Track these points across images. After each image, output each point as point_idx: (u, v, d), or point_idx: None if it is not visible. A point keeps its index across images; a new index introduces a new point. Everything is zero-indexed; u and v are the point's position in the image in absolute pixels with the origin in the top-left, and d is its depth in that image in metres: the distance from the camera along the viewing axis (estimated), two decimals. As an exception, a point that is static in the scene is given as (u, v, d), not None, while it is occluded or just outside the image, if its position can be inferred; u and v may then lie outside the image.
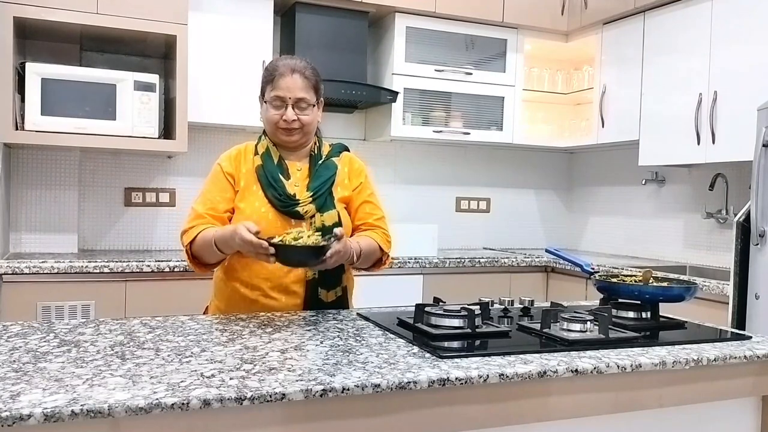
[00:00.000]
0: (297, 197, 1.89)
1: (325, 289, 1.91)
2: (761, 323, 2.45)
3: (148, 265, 2.97)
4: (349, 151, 2.08)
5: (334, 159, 2.00)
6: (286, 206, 1.87)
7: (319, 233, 1.72)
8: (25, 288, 2.81)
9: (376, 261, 1.98)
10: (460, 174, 4.35)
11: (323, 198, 1.91)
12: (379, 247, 1.95)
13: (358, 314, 1.84)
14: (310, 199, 1.89)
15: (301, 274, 1.89)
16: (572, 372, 1.36)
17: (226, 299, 1.94)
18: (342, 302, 1.97)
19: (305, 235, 1.69)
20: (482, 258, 3.68)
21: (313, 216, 1.89)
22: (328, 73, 3.58)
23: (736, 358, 1.52)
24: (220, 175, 1.95)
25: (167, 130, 3.36)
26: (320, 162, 1.98)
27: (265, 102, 1.94)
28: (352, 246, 1.84)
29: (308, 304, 1.90)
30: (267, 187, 1.89)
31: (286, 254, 1.66)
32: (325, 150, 2.03)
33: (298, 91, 1.89)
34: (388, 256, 2.00)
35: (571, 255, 2.17)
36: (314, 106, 1.95)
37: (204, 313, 2.01)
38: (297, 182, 1.93)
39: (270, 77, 1.92)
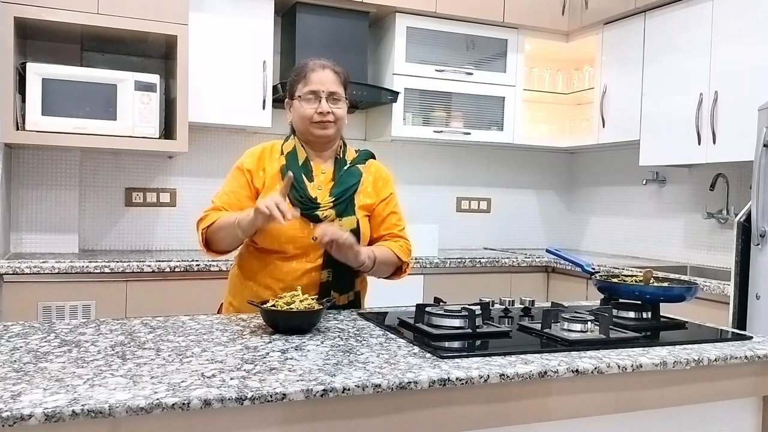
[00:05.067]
0: (318, 201, 1.89)
1: (338, 293, 1.91)
2: (762, 323, 2.44)
3: (149, 266, 2.97)
4: (375, 158, 2.08)
5: (359, 166, 2.01)
6: (306, 209, 1.87)
7: (314, 297, 1.69)
8: (26, 288, 2.81)
9: (396, 270, 1.99)
10: (460, 174, 4.35)
11: (344, 204, 1.92)
12: (397, 256, 1.95)
13: (358, 314, 1.85)
14: (331, 204, 1.89)
15: (316, 279, 1.89)
16: (573, 372, 1.36)
17: (239, 296, 1.95)
18: (354, 307, 1.97)
19: (298, 300, 1.63)
20: (483, 258, 3.68)
21: (333, 221, 1.89)
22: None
23: (736, 358, 1.52)
24: (238, 172, 1.97)
25: (168, 130, 3.36)
26: (345, 168, 1.98)
27: (297, 98, 1.94)
28: (363, 251, 1.84)
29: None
30: (290, 189, 1.89)
31: (276, 320, 1.58)
32: (350, 155, 2.03)
33: (331, 84, 1.92)
34: (408, 264, 2.01)
35: (571, 255, 2.17)
36: (345, 101, 1.96)
37: (218, 312, 2.02)
38: (320, 185, 1.93)
39: (302, 74, 1.94)
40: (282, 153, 1.96)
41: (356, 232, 1.91)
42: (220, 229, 1.85)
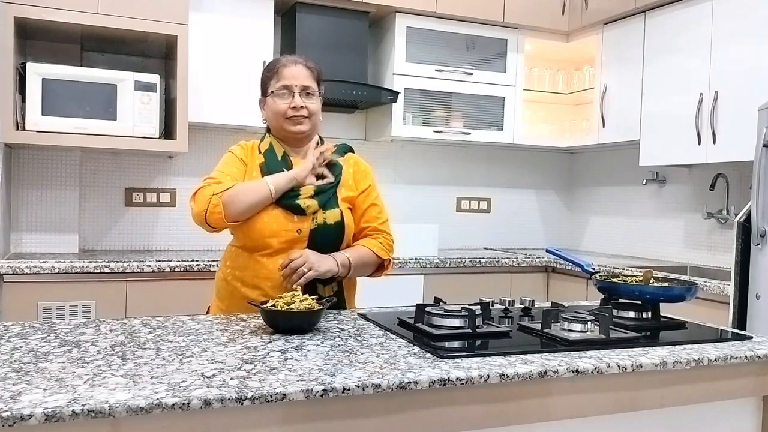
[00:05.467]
0: (299, 191, 1.89)
1: (322, 284, 1.91)
2: (762, 323, 2.44)
3: (149, 265, 2.97)
4: (353, 152, 2.09)
5: (339, 159, 2.01)
6: (286, 199, 1.87)
7: (315, 297, 1.68)
8: (26, 288, 2.81)
9: (378, 267, 1.99)
10: (460, 174, 4.35)
11: (326, 196, 1.91)
12: (377, 255, 1.95)
13: (358, 314, 1.85)
14: (312, 192, 1.89)
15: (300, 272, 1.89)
16: (573, 372, 1.36)
17: (227, 299, 1.94)
18: (338, 297, 1.95)
19: (298, 300, 1.63)
20: (483, 258, 3.68)
21: (316, 212, 1.89)
22: (329, 73, 3.56)
23: (736, 358, 1.52)
24: (234, 158, 1.97)
25: (168, 130, 3.36)
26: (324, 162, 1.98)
27: (270, 94, 1.94)
28: (337, 259, 1.86)
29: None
30: None
31: (276, 320, 1.58)
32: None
33: (303, 79, 1.92)
34: (390, 261, 2.01)
35: (571, 255, 2.17)
36: (319, 96, 1.96)
37: (206, 314, 2.01)
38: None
39: (273, 70, 1.95)
40: (260, 152, 1.97)
41: (341, 224, 1.91)
42: (242, 192, 1.81)
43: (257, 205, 1.83)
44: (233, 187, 1.83)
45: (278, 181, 1.84)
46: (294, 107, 1.90)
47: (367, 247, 1.95)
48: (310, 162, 1.88)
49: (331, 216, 1.90)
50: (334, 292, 1.94)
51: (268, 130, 2.02)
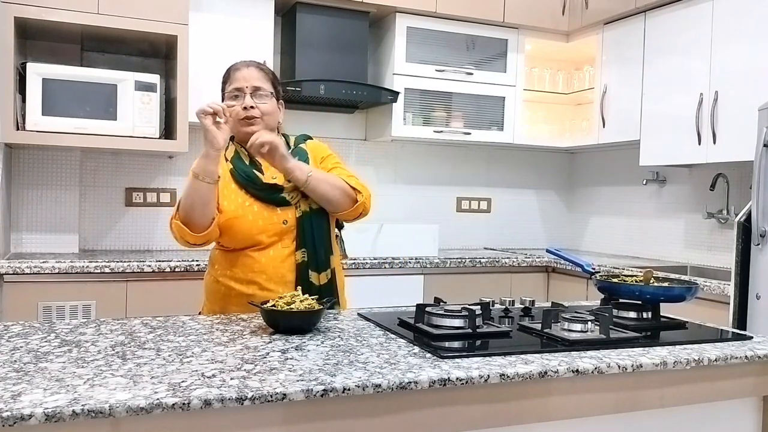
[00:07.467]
0: (280, 184, 1.90)
1: (315, 272, 1.91)
2: (762, 323, 2.44)
3: (149, 266, 2.97)
4: (312, 138, 2.11)
5: (301, 146, 2.03)
6: (271, 194, 1.89)
7: (315, 297, 1.68)
8: (26, 288, 2.81)
9: (349, 200, 1.93)
10: (460, 174, 4.35)
11: None
12: (350, 185, 1.92)
13: (358, 314, 1.84)
14: (293, 185, 1.90)
15: (292, 262, 1.90)
16: (573, 372, 1.36)
17: (220, 300, 1.93)
18: (332, 286, 1.95)
19: (298, 300, 1.63)
20: (483, 258, 3.68)
21: (299, 202, 1.91)
22: (329, 73, 3.59)
23: (737, 358, 1.52)
24: None
25: (168, 130, 3.36)
26: (290, 151, 1.97)
27: (225, 98, 1.96)
28: (292, 158, 1.86)
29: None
30: (247, 186, 1.90)
31: (276, 320, 1.58)
32: (291, 142, 2.06)
33: (255, 80, 1.93)
34: (364, 198, 1.94)
35: (571, 255, 2.17)
36: (273, 97, 1.96)
37: None
38: (274, 174, 1.94)
39: (226, 75, 1.99)
40: (226, 160, 1.96)
41: (322, 210, 1.92)
42: (185, 201, 1.81)
43: (202, 198, 1.80)
44: (179, 205, 1.83)
45: (197, 169, 1.79)
46: (245, 108, 1.90)
47: (338, 176, 1.94)
48: (217, 131, 1.78)
49: (313, 202, 1.91)
50: (328, 279, 1.94)
51: (231, 137, 2.01)
